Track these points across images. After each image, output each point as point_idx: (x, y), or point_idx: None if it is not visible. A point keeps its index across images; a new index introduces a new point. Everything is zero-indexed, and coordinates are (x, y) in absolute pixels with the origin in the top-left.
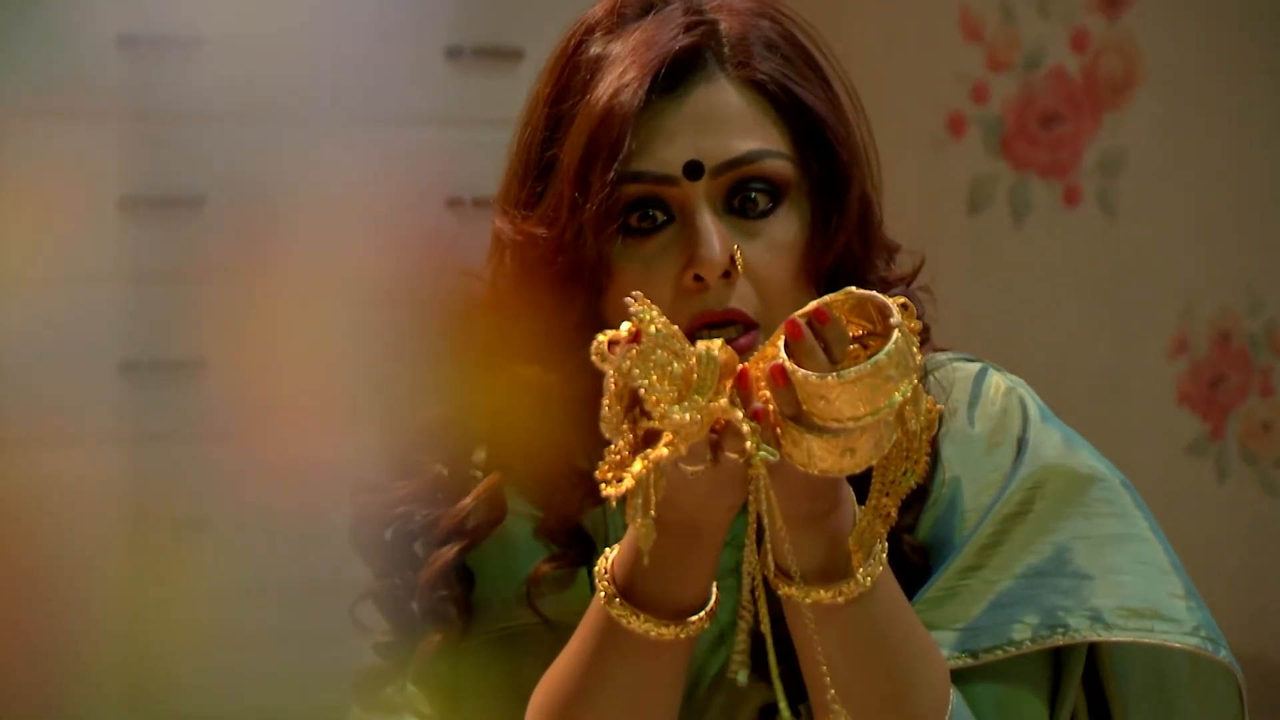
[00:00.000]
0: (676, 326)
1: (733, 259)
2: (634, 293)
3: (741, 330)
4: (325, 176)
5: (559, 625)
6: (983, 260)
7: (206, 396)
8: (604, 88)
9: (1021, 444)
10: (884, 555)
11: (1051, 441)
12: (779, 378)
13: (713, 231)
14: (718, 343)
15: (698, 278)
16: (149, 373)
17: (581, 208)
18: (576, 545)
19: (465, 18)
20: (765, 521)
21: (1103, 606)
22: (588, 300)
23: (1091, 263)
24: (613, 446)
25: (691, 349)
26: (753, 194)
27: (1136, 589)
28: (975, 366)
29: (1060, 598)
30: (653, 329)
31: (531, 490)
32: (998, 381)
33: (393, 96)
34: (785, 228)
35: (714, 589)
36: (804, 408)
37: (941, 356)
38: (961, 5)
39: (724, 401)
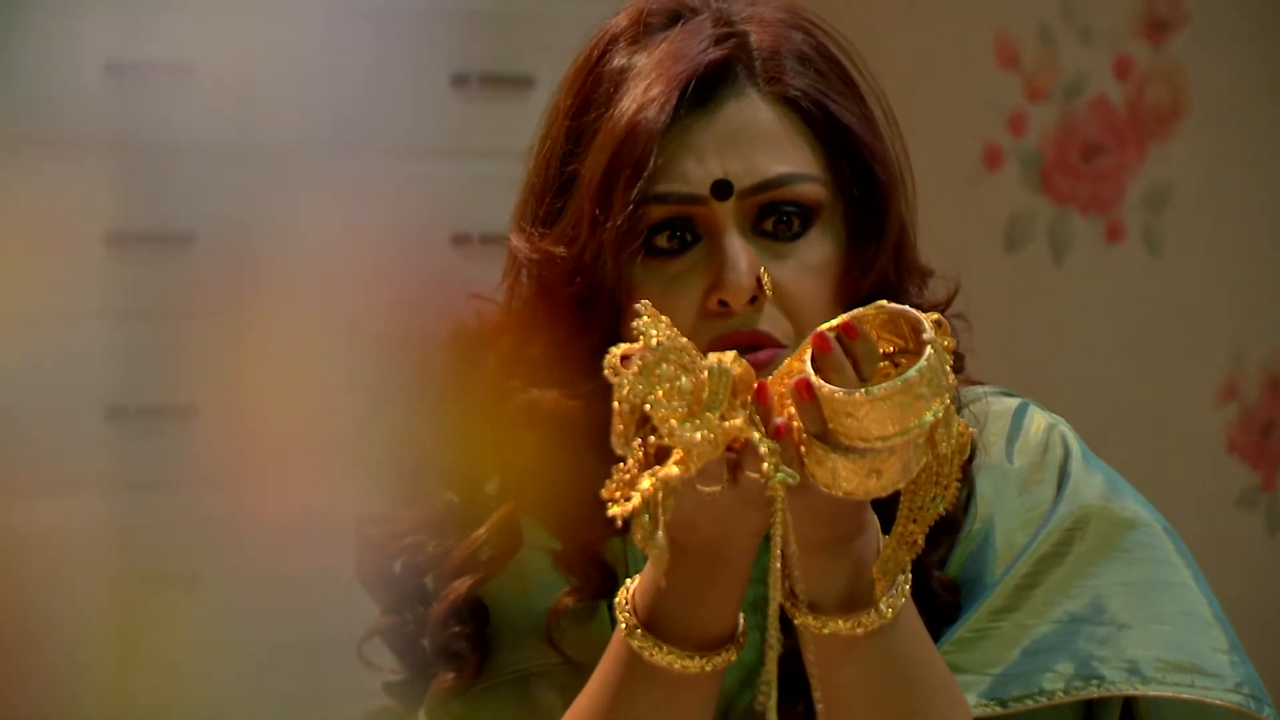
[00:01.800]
0: (686, 339)
1: (760, 283)
2: (643, 302)
3: (769, 363)
4: (323, 211)
5: (580, 665)
6: (1020, 300)
7: (197, 443)
8: (629, 102)
9: (1062, 483)
10: (907, 587)
11: (1093, 482)
12: (804, 393)
13: (740, 254)
14: (730, 355)
15: (722, 303)
16: (137, 418)
17: (602, 227)
18: (597, 577)
19: (472, 43)
20: (782, 546)
21: (1140, 658)
22: (607, 323)
23: (1135, 303)
24: (621, 465)
25: (703, 362)
26: (784, 216)
27: (1177, 640)
28: (1014, 401)
29: (1096, 646)
30: (654, 340)
31: (549, 520)
32: (1039, 418)
33: (395, 127)
34: (818, 249)
35: (741, 620)
36: (829, 426)
37: (978, 390)
38: (997, 30)
39: (740, 421)
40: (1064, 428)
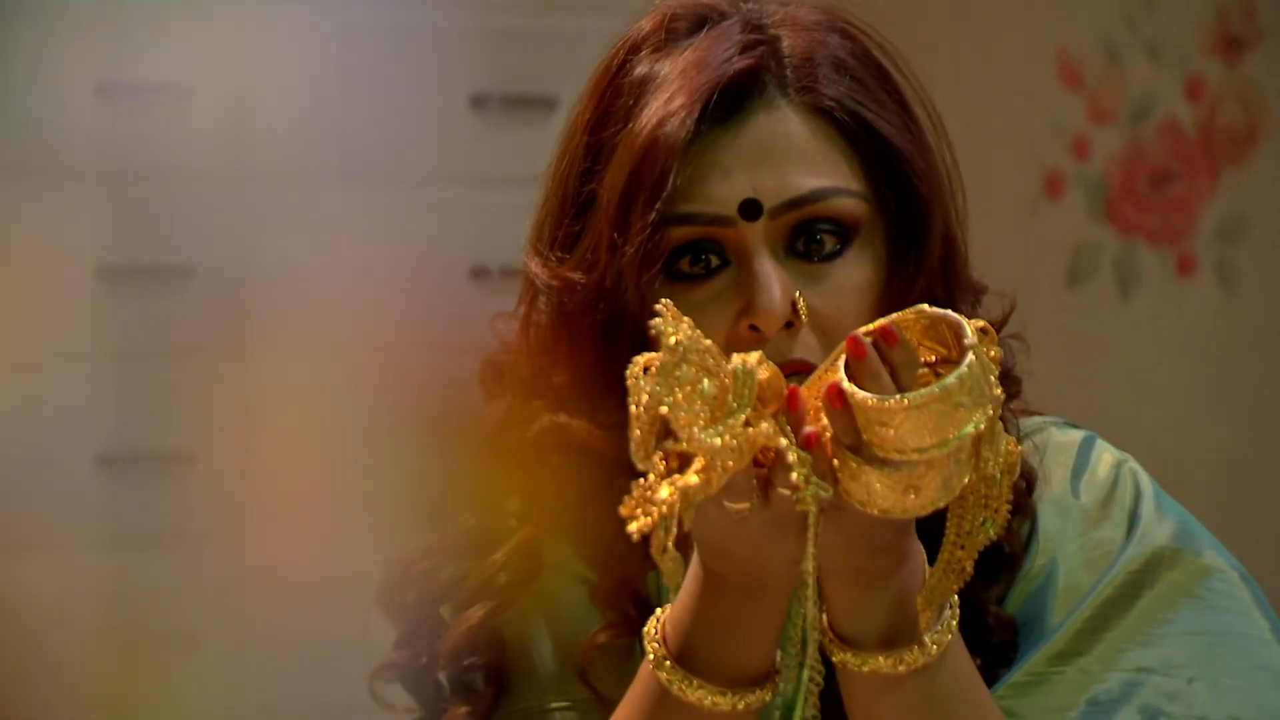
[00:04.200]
0: (710, 341)
1: (795, 307)
2: (663, 301)
3: (802, 380)
4: (331, 243)
5: (609, 703)
6: (1084, 338)
7: (195, 494)
8: (648, 115)
9: (1133, 523)
10: (954, 623)
11: (1166, 524)
12: (836, 400)
13: (772, 278)
14: (756, 356)
15: (754, 328)
16: (130, 467)
17: (620, 250)
18: (635, 613)
19: (492, 62)
20: (817, 570)
21: (1211, 715)
22: (631, 351)
23: (1208, 342)
24: (641, 480)
25: (726, 365)
26: (818, 235)
27: (1251, 697)
28: (1079, 433)
29: (1165, 701)
30: (673, 340)
31: (583, 552)
32: (1107, 453)
33: (409, 152)
34: (856, 270)
35: (778, 655)
36: (864, 437)
37: (1038, 419)
38: (1059, 48)
39: (767, 426)
40: (1134, 464)
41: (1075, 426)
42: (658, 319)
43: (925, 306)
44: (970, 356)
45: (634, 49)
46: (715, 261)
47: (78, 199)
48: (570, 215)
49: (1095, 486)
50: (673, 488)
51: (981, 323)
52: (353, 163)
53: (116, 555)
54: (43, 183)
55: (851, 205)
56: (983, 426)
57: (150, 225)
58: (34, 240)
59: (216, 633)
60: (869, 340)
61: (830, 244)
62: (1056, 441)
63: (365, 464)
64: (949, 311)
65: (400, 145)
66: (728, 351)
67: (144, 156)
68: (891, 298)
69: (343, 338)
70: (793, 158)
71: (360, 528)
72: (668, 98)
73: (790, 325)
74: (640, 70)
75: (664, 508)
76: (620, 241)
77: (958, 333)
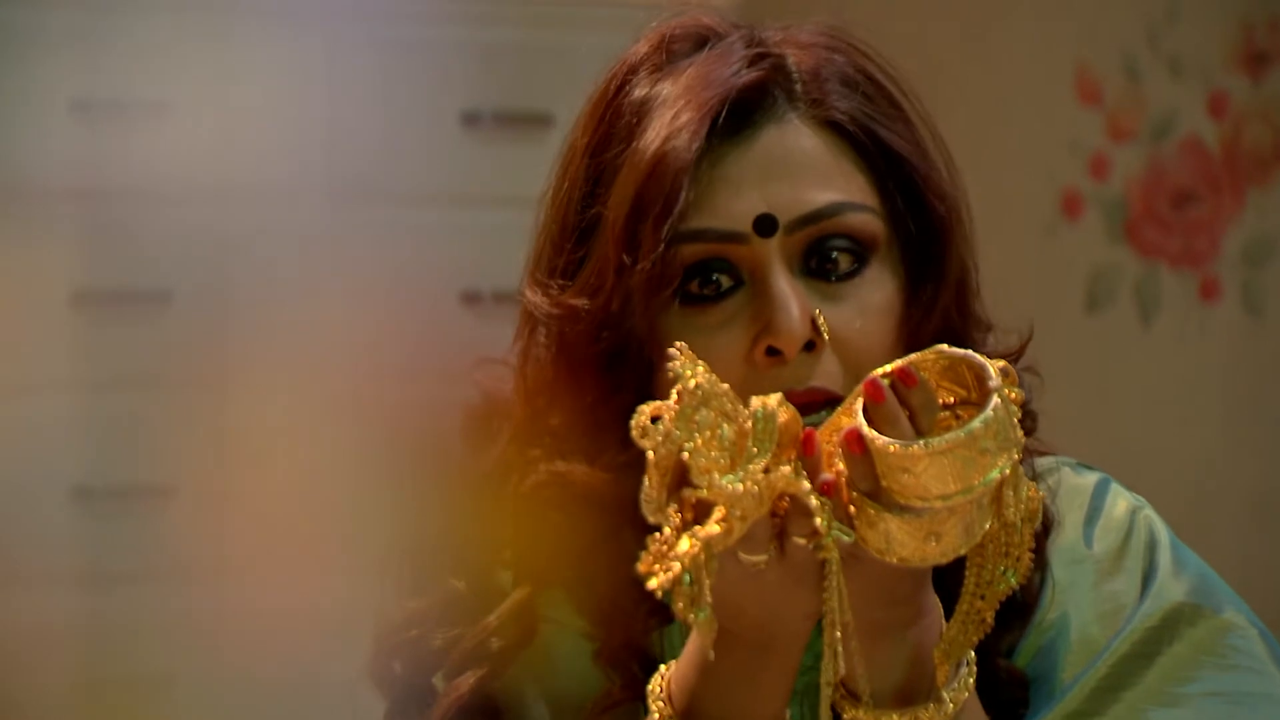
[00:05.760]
0: (726, 385)
1: (816, 326)
2: (677, 344)
3: (818, 420)
4: (316, 267)
5: None
6: (1104, 365)
7: (173, 529)
8: (654, 132)
9: (1148, 576)
10: (971, 680)
11: (1183, 576)
12: (855, 445)
13: (790, 296)
14: (775, 398)
15: (773, 351)
16: (105, 500)
17: (630, 272)
18: (643, 674)
19: (484, 78)
20: (838, 620)
21: None
22: (638, 383)
23: (1233, 369)
24: (657, 534)
25: (745, 410)
26: (833, 253)
27: None
28: (1093, 476)
29: None
30: (693, 384)
31: (585, 610)
32: (1122, 499)
33: (398, 171)
34: (876, 290)
35: (788, 715)
36: (883, 483)
37: (1049, 460)
38: (1078, 63)
39: (787, 470)
40: (1150, 512)
41: (1089, 468)
42: (674, 361)
43: (944, 346)
44: (995, 400)
45: (632, 71)
46: (727, 283)
47: (51, 221)
48: (572, 241)
49: (1109, 535)
50: (694, 539)
51: (1002, 363)
52: (339, 182)
53: (91, 592)
54: (14, 204)
55: (868, 221)
56: (1007, 472)
57: (127, 248)
58: (6, 264)
59: (194, 672)
60: (886, 383)
61: (846, 263)
62: (1070, 484)
63: (350, 498)
64: (970, 352)
65: (389, 164)
66: (745, 379)
67: (121, 176)
68: (911, 322)
69: (328, 366)
70: (805, 172)
71: (344, 564)
72: (674, 114)
73: (811, 347)
74: (640, 91)
75: (686, 561)
76: (629, 262)
77: (980, 375)
